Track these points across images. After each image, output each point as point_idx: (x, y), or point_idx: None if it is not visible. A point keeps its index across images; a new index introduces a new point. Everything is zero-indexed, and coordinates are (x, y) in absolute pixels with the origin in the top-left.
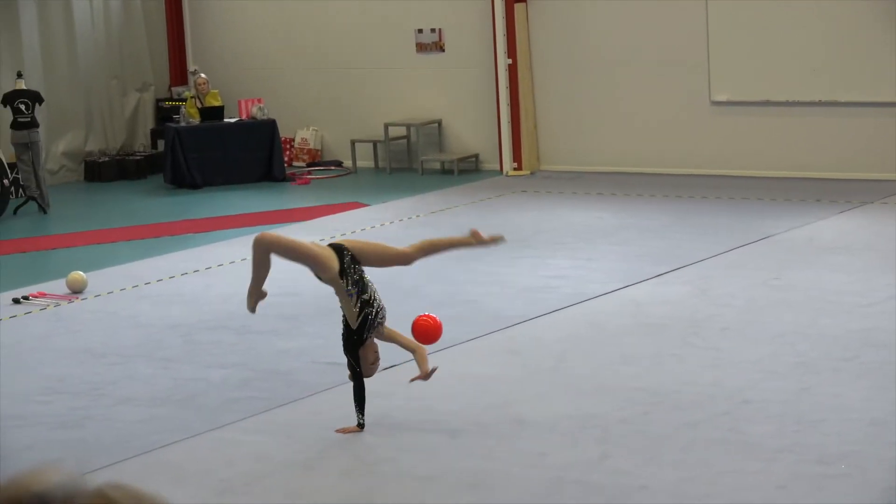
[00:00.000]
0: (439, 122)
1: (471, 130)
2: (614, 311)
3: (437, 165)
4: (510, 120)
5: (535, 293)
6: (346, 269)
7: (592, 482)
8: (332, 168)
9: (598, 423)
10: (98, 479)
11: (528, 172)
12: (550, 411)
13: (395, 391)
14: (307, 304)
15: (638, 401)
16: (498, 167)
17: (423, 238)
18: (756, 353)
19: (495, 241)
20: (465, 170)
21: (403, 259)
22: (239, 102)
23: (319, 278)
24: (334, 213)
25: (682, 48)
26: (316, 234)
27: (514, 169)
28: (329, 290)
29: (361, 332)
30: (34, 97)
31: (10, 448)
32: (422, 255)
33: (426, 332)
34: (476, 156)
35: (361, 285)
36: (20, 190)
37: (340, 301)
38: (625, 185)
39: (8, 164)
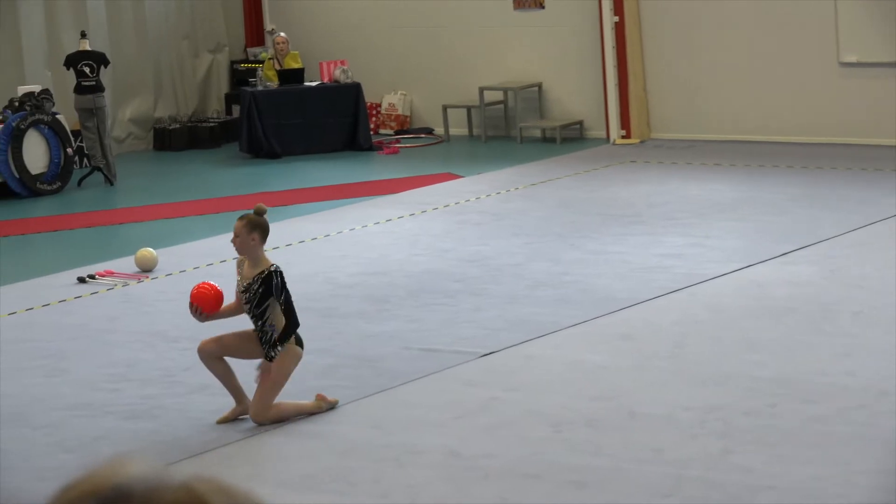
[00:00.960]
0: (539, 86)
1: (574, 94)
2: (735, 293)
3: (538, 133)
4: (617, 83)
5: (647, 273)
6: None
7: (713, 480)
8: (423, 136)
9: (720, 415)
10: (183, 472)
11: (638, 141)
12: (666, 402)
13: (494, 380)
14: (397, 284)
15: (763, 391)
16: (604, 135)
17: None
18: (892, 341)
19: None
20: (568, 138)
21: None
22: (321, 64)
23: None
24: (425, 185)
25: (808, 4)
26: (405, 208)
27: (622, 137)
28: (420, 269)
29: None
30: (99, 59)
31: (77, 440)
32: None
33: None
34: (580, 122)
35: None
36: (84, 159)
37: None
38: (744, 154)
39: (71, 131)
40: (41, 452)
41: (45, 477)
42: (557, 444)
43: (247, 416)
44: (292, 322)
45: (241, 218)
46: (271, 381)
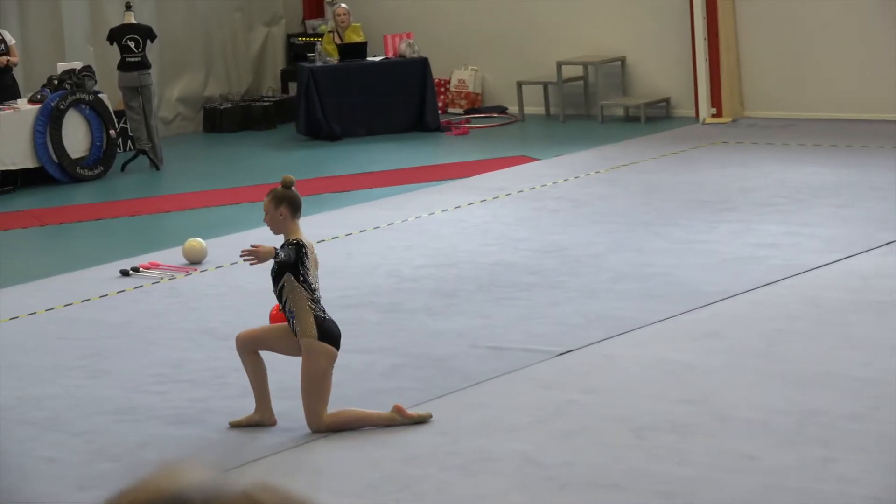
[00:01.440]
0: (623, 60)
1: (660, 69)
2: (835, 286)
3: (621, 111)
4: (708, 56)
5: (739, 264)
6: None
7: (813, 491)
8: (495, 115)
9: (819, 420)
10: (243, 479)
11: (730, 119)
12: (760, 406)
13: (571, 381)
14: (467, 277)
15: (866, 394)
16: (693, 113)
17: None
18: None
19: (422, 419)
20: (653, 116)
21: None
22: (384, 38)
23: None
24: (497, 168)
25: None
26: (476, 194)
27: (713, 115)
28: (492, 260)
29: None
30: (145, 33)
31: (120, 447)
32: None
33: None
34: (667, 100)
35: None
36: (129, 142)
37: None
38: (847, 134)
39: (115, 111)
40: (81, 460)
41: (86, 486)
42: (640, 452)
43: (263, 427)
44: (287, 256)
45: (268, 193)
46: (307, 385)
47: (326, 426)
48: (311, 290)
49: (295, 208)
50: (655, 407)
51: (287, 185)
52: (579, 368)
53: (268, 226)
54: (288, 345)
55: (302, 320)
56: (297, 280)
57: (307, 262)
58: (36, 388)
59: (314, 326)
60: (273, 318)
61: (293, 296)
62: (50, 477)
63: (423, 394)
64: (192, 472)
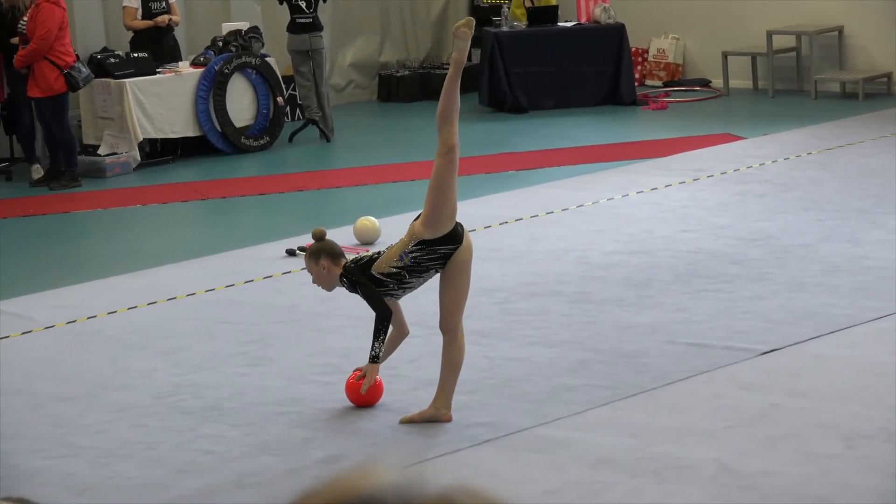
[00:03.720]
0: (840, 30)
1: (882, 41)
2: None
3: (836, 87)
4: None
5: None
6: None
7: None
8: (697, 89)
9: None
10: (440, 481)
11: None
12: None
13: (775, 383)
14: (663, 266)
15: None
16: None
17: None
18: None
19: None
20: (873, 93)
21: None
22: (577, 1)
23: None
24: (698, 147)
25: None
26: (674, 175)
27: None
28: (691, 248)
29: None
30: None
31: (282, 441)
32: (450, 133)
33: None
34: (888, 75)
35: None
36: (297, 111)
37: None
38: None
39: (283, 77)
40: (241, 454)
41: (245, 483)
42: (851, 463)
43: (436, 423)
44: (379, 314)
45: (305, 254)
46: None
47: (459, 333)
48: (392, 266)
49: (335, 256)
50: (868, 413)
51: (318, 237)
52: (785, 369)
53: (319, 286)
54: (447, 278)
55: (403, 241)
56: (376, 274)
57: (370, 261)
58: (194, 375)
59: (408, 237)
60: (350, 388)
61: (386, 265)
62: (206, 471)
63: (612, 392)
64: (385, 472)
